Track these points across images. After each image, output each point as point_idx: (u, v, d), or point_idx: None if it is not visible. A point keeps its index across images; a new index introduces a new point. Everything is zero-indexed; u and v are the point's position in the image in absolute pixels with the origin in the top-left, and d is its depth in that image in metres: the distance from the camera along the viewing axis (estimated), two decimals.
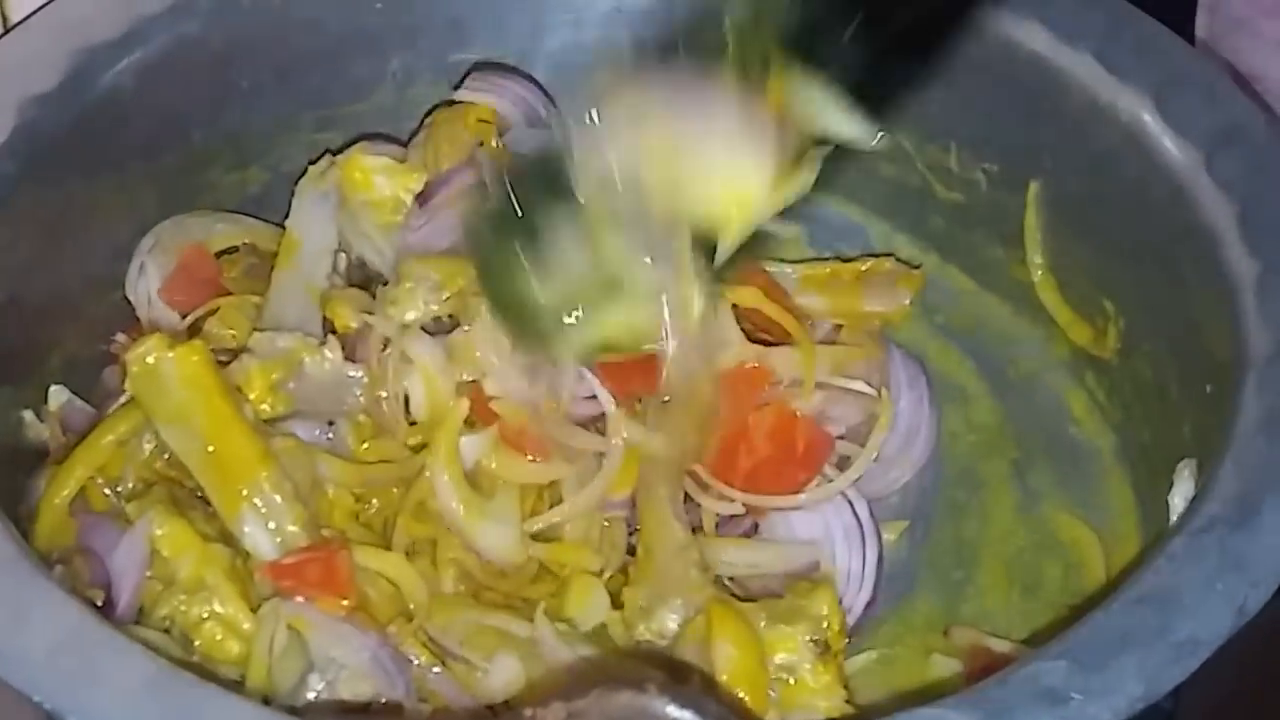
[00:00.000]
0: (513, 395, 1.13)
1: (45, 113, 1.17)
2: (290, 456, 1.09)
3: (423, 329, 1.16)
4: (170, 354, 1.06)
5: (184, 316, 1.24)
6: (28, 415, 1.18)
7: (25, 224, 1.16)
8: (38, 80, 1.18)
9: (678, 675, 1.05)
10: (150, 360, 1.06)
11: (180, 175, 1.30)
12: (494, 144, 1.26)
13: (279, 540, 1.06)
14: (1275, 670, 1.18)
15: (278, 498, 1.06)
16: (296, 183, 1.30)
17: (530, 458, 1.14)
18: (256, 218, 1.34)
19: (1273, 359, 1.03)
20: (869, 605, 1.19)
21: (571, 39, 1.39)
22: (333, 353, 1.15)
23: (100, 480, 1.13)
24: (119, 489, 1.13)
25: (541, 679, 1.03)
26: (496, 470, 1.14)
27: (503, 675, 1.07)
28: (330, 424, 1.15)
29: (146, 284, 1.26)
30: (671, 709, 0.79)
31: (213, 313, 1.24)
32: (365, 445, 1.15)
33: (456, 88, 1.33)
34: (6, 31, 1.25)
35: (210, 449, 1.07)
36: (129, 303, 1.27)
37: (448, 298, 1.16)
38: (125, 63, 1.22)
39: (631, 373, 1.12)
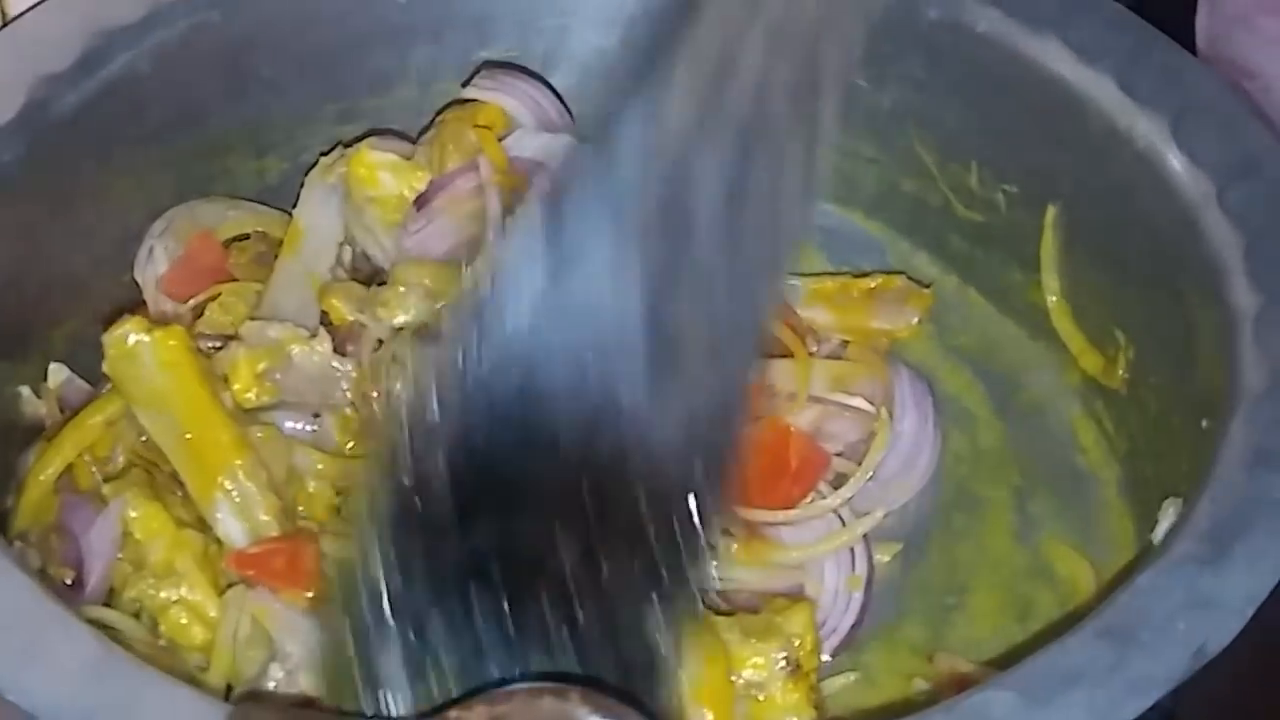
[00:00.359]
0: None
1: (58, 93, 1.18)
2: (268, 446, 1.09)
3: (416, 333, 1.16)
4: (148, 337, 1.06)
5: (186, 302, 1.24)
6: (25, 391, 1.19)
7: (32, 202, 1.17)
8: (53, 60, 1.19)
9: None
10: (128, 343, 1.07)
11: (197, 162, 1.30)
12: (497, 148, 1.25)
13: (250, 529, 1.06)
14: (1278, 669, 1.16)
15: (252, 487, 1.06)
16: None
17: None
18: (273, 207, 1.34)
19: (1263, 396, 1.01)
20: (855, 626, 1.18)
21: (597, 40, 1.38)
22: (322, 345, 1.15)
23: (89, 460, 1.13)
24: (108, 469, 1.13)
25: None
26: None
27: None
28: (316, 416, 1.15)
29: (154, 268, 1.26)
30: (594, 718, 0.78)
31: (215, 298, 1.24)
32: (350, 441, 1.15)
33: (466, 84, 1.33)
34: (5, 24, 1.25)
35: (186, 435, 1.07)
36: (139, 285, 1.28)
37: (441, 305, 1.16)
38: (143, 46, 1.22)
39: None
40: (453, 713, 0.80)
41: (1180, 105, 1.17)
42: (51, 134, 1.17)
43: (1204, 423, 1.08)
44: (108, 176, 1.23)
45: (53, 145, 1.17)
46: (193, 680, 0.96)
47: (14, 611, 0.90)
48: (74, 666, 0.87)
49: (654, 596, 0.87)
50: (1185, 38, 1.34)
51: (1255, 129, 1.15)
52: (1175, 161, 1.15)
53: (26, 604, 0.90)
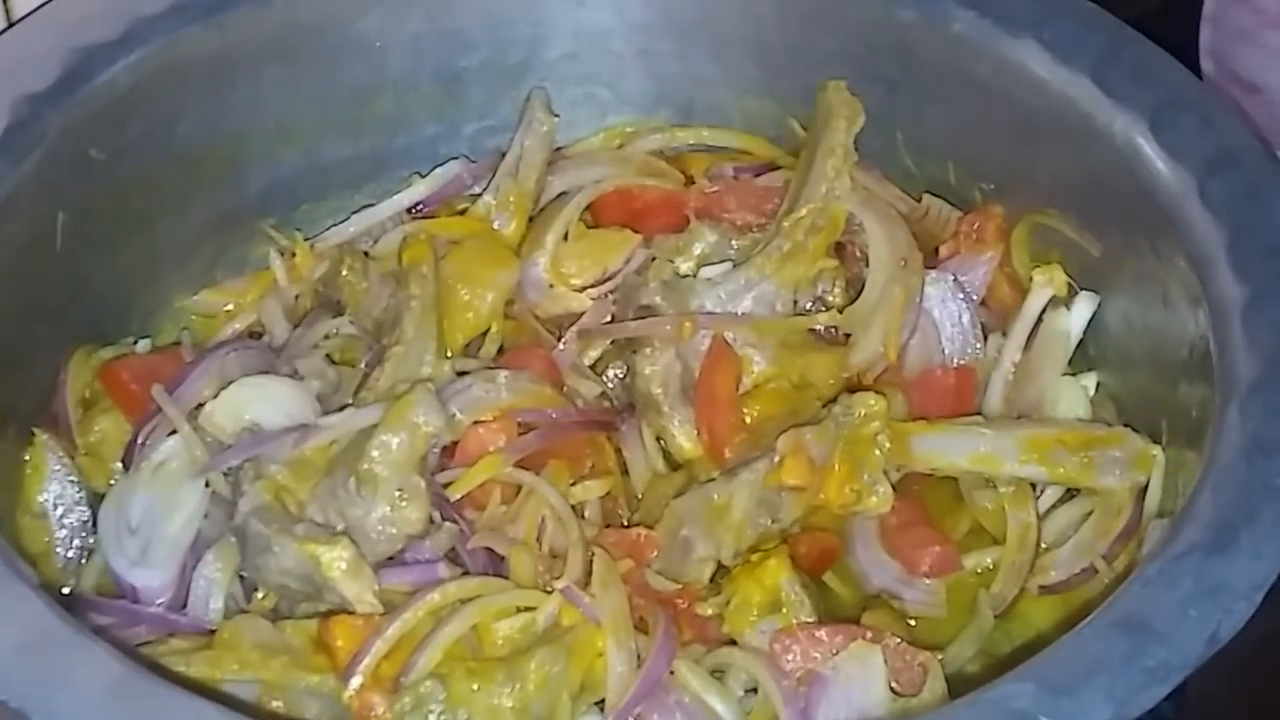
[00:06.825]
0: None
1: (40, 111, 1.18)
2: None
3: None
4: None
5: None
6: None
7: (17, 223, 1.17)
8: (34, 79, 1.18)
9: None
10: None
11: (177, 177, 1.30)
12: None
13: None
14: (1277, 674, 1.19)
15: None
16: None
17: None
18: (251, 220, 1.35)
19: (1256, 385, 1.02)
20: None
21: (571, 48, 1.39)
22: None
23: None
24: None
25: None
26: None
27: None
28: None
29: None
30: None
31: None
32: None
33: None
34: (10, 26, 1.25)
35: None
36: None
37: None
38: (123, 63, 1.22)
39: None
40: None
41: (1157, 101, 1.18)
42: (35, 152, 1.17)
43: (1193, 413, 1.10)
44: (91, 194, 1.23)
45: (36, 164, 1.17)
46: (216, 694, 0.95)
47: (34, 635, 0.90)
48: (98, 687, 0.87)
49: None
50: (1189, 54, 1.35)
51: (1231, 122, 1.17)
52: (1155, 157, 1.16)
53: (45, 627, 0.90)
